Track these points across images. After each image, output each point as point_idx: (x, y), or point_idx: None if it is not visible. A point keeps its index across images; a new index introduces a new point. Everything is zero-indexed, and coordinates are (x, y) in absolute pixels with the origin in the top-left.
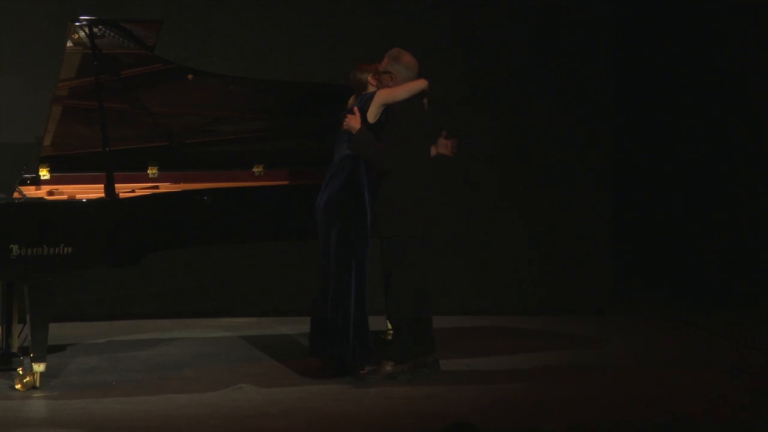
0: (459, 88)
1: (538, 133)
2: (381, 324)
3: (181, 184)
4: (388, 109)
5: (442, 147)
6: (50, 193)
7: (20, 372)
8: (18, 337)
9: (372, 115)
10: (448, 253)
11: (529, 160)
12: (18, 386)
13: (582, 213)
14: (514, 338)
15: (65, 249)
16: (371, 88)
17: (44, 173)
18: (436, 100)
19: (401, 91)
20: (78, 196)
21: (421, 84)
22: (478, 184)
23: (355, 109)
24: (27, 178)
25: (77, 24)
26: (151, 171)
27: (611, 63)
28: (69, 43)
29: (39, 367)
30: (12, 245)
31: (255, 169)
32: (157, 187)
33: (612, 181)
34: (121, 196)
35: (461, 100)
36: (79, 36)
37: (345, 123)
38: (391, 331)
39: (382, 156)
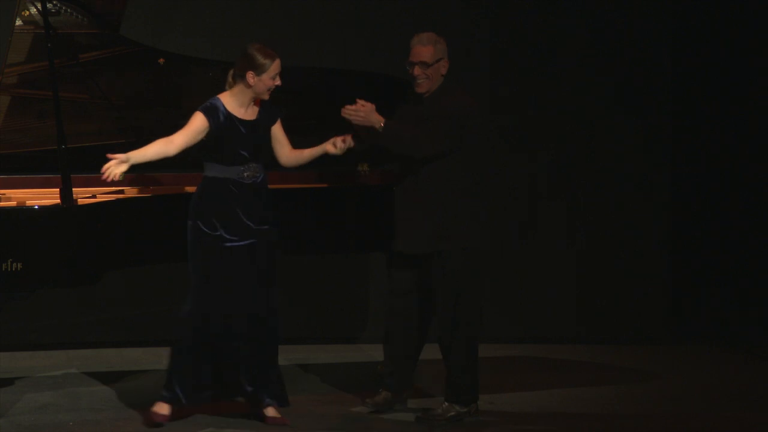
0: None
1: (588, 157)
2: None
3: (152, 188)
4: (435, 105)
5: (330, 144)
6: None
7: None
8: None
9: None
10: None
11: (577, 179)
12: None
13: (634, 226)
14: (558, 371)
15: (14, 265)
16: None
17: None
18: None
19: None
20: (29, 203)
21: None
22: (518, 200)
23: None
24: None
25: None
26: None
27: (667, 78)
28: (18, 21)
29: None
30: None
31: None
32: (122, 192)
33: (668, 195)
34: (79, 203)
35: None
36: (29, 12)
37: (354, 116)
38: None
39: (422, 143)
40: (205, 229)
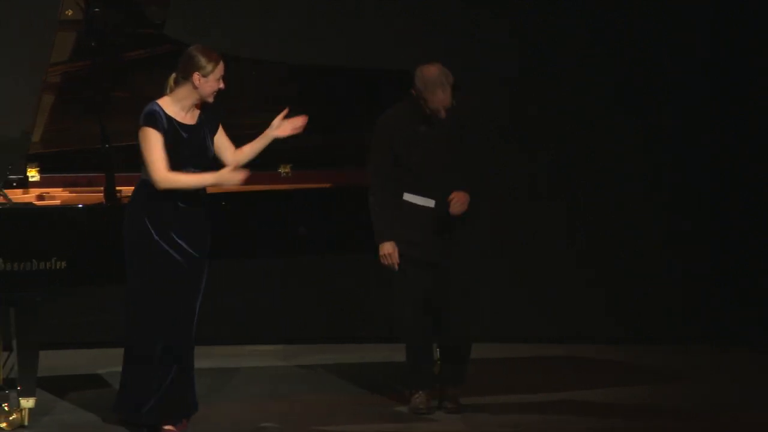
0: (504, 93)
1: (588, 157)
2: None
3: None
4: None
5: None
6: (40, 197)
7: (5, 408)
8: (3, 367)
9: None
10: (511, 276)
11: (577, 179)
12: (3, 424)
13: (634, 226)
14: (587, 371)
15: (58, 263)
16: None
17: (33, 174)
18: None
19: None
20: (73, 201)
21: None
22: (518, 200)
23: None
24: (13, 180)
25: None
26: None
27: (667, 78)
28: (61, 21)
29: (27, 403)
30: None
31: (281, 170)
32: None
33: (669, 195)
34: (123, 201)
35: (502, 104)
36: (73, 12)
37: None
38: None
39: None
40: (156, 237)
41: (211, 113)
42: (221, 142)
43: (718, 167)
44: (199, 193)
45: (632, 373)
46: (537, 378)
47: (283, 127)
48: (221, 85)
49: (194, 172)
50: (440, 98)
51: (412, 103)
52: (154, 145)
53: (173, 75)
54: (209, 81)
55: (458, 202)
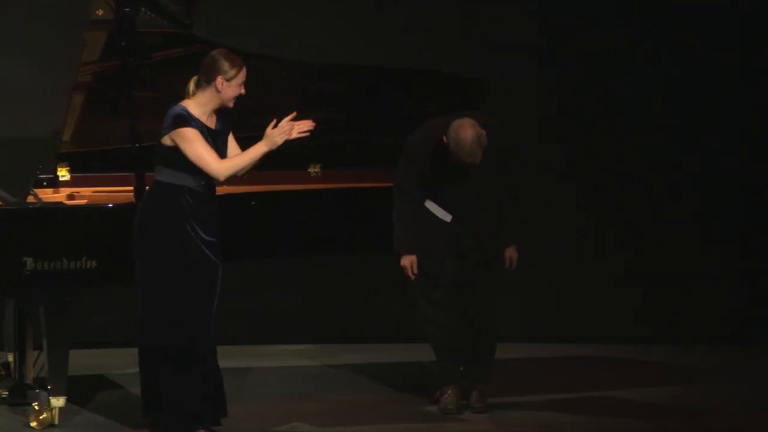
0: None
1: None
2: None
3: (223, 187)
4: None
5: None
6: (70, 196)
7: (36, 407)
8: (33, 366)
9: None
10: (541, 275)
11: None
12: (33, 423)
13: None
14: (618, 371)
15: (88, 263)
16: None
17: (63, 173)
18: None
19: None
20: (103, 201)
21: None
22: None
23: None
24: (43, 180)
25: None
26: None
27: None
28: (92, 20)
29: (58, 402)
30: (26, 259)
31: (311, 170)
32: None
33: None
34: None
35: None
36: (103, 12)
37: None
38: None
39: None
40: (193, 236)
41: (224, 119)
42: (231, 148)
43: (752, 167)
44: (213, 187)
45: (664, 374)
46: (567, 378)
47: (283, 131)
48: (242, 91)
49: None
50: (470, 160)
51: (445, 126)
52: (196, 141)
53: (194, 78)
54: (232, 86)
55: (512, 261)
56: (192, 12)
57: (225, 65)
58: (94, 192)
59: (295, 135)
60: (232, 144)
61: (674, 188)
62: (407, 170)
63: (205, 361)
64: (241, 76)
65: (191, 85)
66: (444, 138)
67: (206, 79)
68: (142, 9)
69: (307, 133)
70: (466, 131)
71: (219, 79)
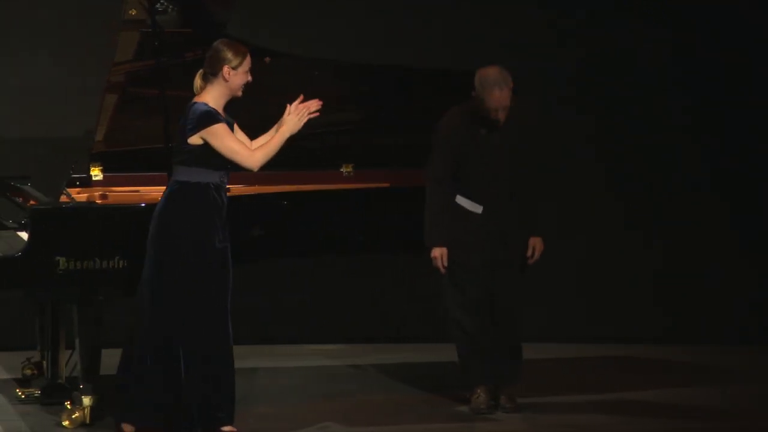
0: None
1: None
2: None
3: (255, 187)
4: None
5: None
6: (103, 196)
7: (68, 406)
8: (65, 365)
9: None
10: (559, 275)
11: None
12: (66, 423)
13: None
14: (651, 372)
15: (120, 262)
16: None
17: (96, 173)
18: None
19: None
20: (135, 200)
21: None
22: (605, 197)
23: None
24: (76, 179)
25: None
26: None
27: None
28: (125, 20)
29: (89, 401)
30: (58, 258)
31: (343, 169)
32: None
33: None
34: None
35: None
36: (137, 11)
37: None
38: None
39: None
40: (215, 235)
41: (230, 113)
42: (241, 138)
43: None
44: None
45: (698, 374)
46: (599, 378)
47: (300, 113)
48: (249, 78)
49: (227, 173)
50: (497, 97)
51: (472, 105)
52: (228, 136)
53: (199, 73)
54: (239, 73)
55: (535, 251)
56: (226, 12)
57: (229, 54)
58: (126, 192)
59: (307, 117)
60: (239, 134)
61: (698, 189)
62: (440, 158)
63: (212, 362)
64: (247, 62)
65: (198, 80)
66: (473, 93)
67: (212, 72)
68: (175, 9)
69: (317, 113)
70: (488, 69)
71: (225, 69)
